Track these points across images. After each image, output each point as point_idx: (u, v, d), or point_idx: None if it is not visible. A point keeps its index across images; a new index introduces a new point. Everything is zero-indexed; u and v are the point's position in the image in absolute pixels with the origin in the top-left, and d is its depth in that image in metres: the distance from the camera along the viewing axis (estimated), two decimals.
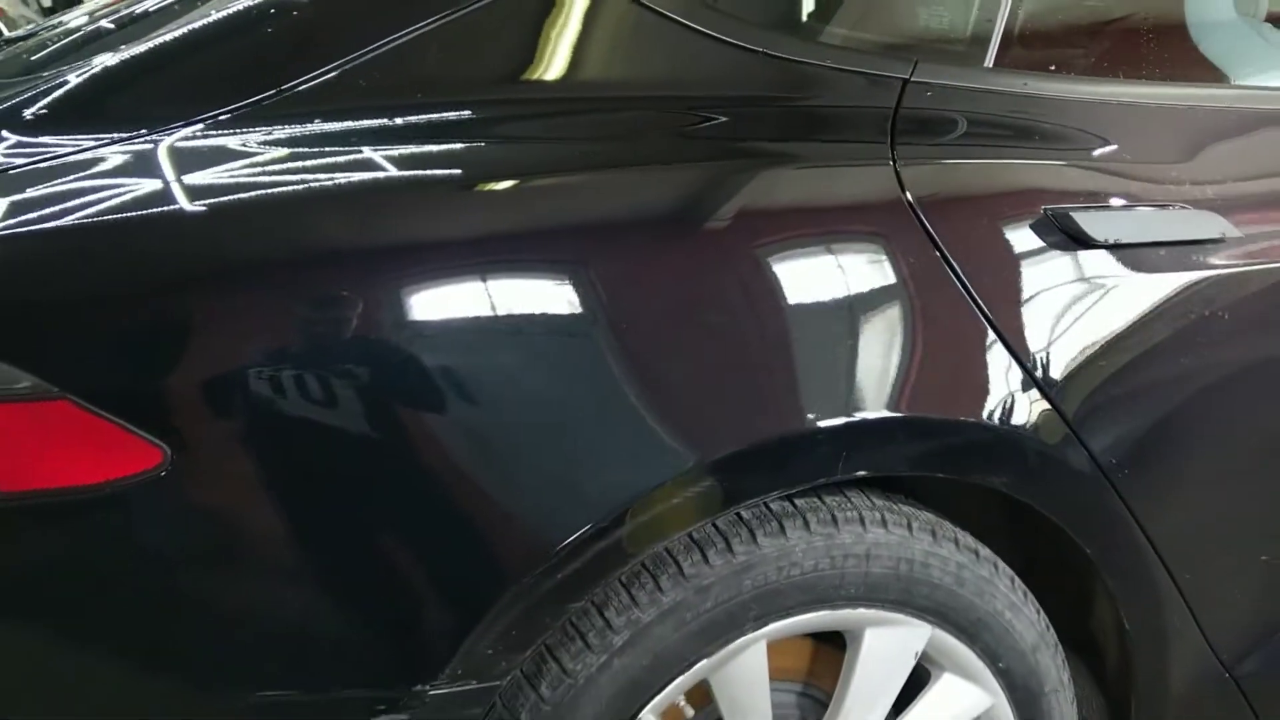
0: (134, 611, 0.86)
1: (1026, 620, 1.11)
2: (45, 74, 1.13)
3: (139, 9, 1.30)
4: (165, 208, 0.88)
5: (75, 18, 1.47)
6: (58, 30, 1.41)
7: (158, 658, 0.87)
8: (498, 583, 0.89)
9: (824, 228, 1.01)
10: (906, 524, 1.05)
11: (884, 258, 0.99)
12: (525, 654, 0.92)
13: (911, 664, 1.08)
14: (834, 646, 1.12)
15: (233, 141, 0.94)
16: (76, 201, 0.88)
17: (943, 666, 1.11)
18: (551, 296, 0.90)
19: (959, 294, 1.00)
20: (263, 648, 0.88)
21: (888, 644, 1.06)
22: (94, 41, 1.25)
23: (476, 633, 0.88)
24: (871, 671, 1.06)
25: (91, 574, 0.85)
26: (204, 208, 0.88)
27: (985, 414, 1.00)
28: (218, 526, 0.86)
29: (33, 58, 1.30)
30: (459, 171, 0.96)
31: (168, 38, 1.05)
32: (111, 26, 1.30)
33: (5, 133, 0.98)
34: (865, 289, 0.99)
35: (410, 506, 0.88)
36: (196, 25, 1.06)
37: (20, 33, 1.72)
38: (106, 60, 1.06)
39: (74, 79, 1.05)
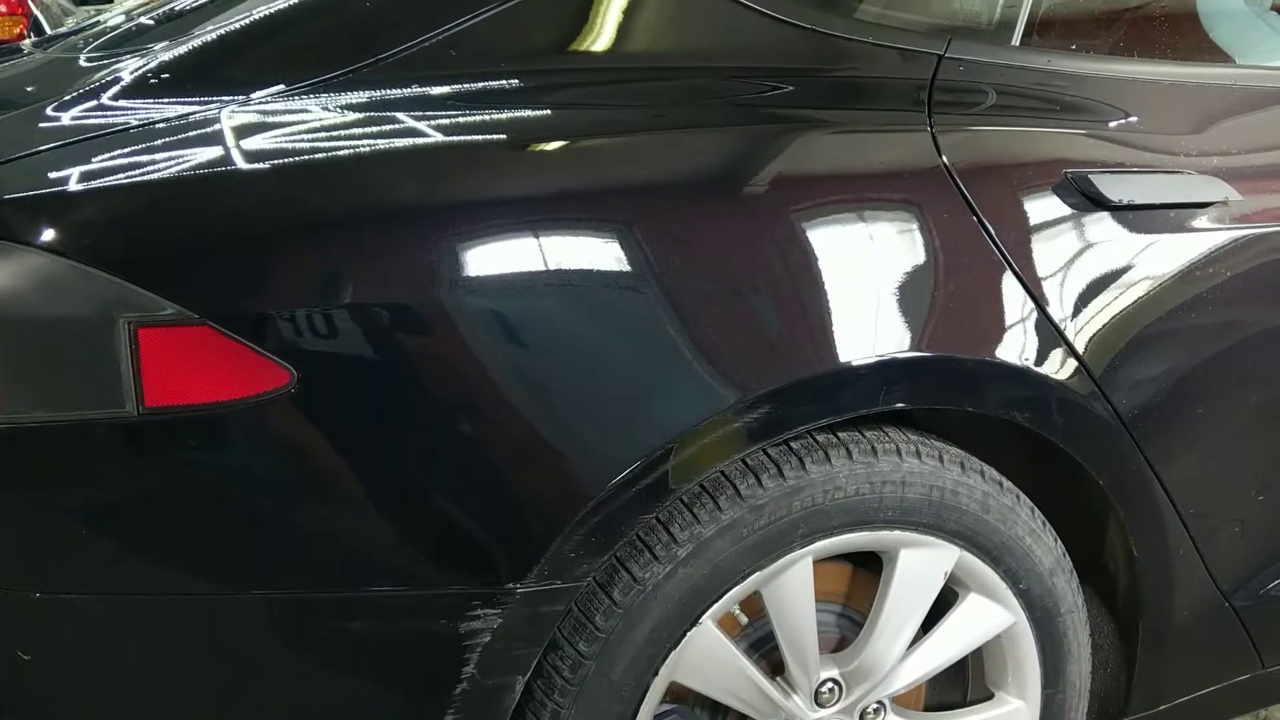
0: (259, 512, 0.97)
1: (1045, 546, 1.23)
2: (144, 45, 1.24)
3: None
4: (278, 161, 1.00)
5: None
6: (137, 9, 1.52)
7: (278, 552, 0.98)
8: (581, 494, 1.00)
9: (868, 185, 1.13)
10: (938, 456, 1.17)
11: (922, 214, 1.11)
12: (603, 558, 1.03)
13: (941, 583, 1.19)
14: (870, 574, 1.24)
15: (338, 102, 1.06)
16: (201, 153, 1.00)
17: (968, 587, 1.22)
18: (629, 250, 1.02)
19: (988, 247, 1.12)
20: (374, 548, 0.99)
21: (920, 563, 1.18)
22: (187, 15, 1.36)
23: (562, 537, 1.00)
24: (905, 588, 1.18)
25: (226, 478, 0.96)
26: (316, 159, 1.00)
27: (1010, 355, 1.12)
28: (338, 440, 0.97)
29: (119, 32, 1.42)
30: (534, 133, 1.07)
31: (273, 9, 1.16)
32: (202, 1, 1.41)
33: (124, 97, 1.09)
34: (906, 242, 1.10)
35: (507, 425, 0.99)
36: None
37: (82, 22, 1.83)
38: (215, 30, 1.17)
39: (181, 49, 1.16)
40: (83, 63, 1.31)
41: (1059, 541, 1.25)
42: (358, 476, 0.98)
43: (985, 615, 1.23)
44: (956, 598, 1.23)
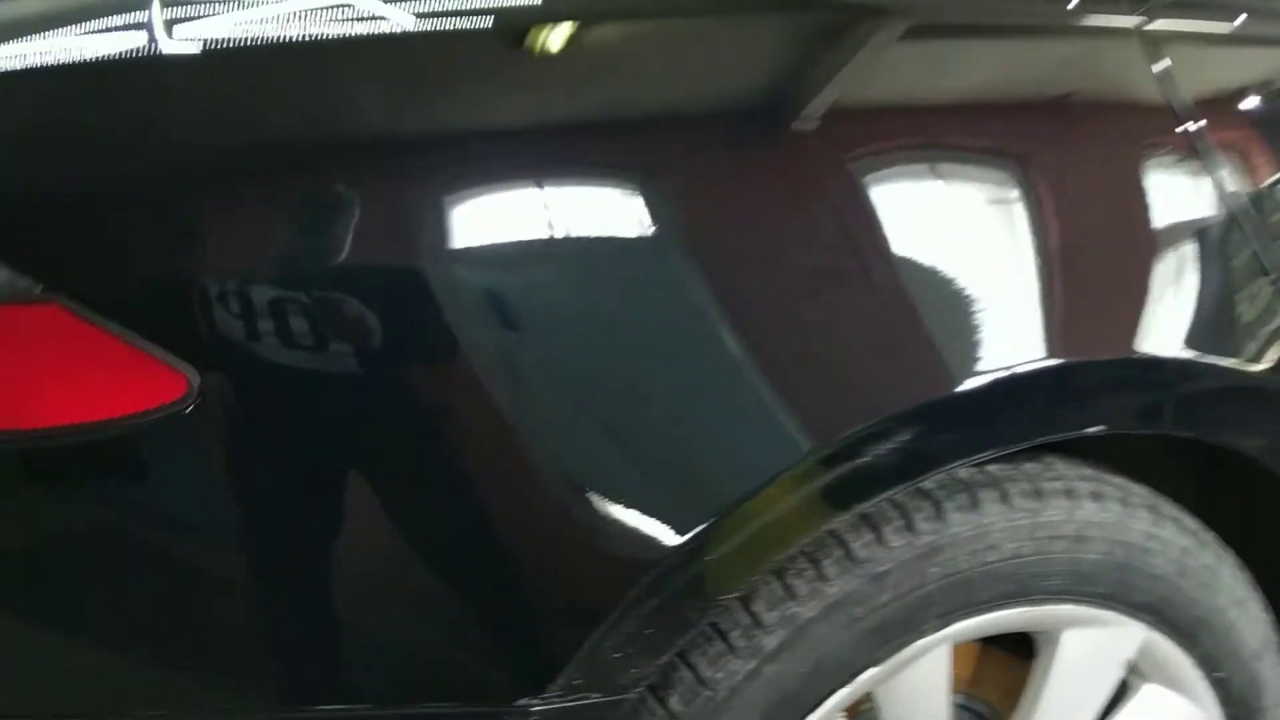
0: (148, 597, 0.65)
1: (1251, 618, 0.90)
2: None
3: None
4: (170, 53, 0.66)
5: None
6: None
7: (177, 660, 0.66)
8: (630, 566, 0.67)
9: (1037, 114, 0.79)
10: (1121, 498, 0.84)
11: (1125, 155, 0.77)
12: (662, 658, 0.71)
13: (1119, 675, 0.87)
14: (999, 648, 0.91)
15: None
16: (53, 49, 0.67)
17: (1145, 675, 0.90)
18: (659, 210, 0.68)
19: (1222, 204, 0.78)
20: (317, 649, 0.66)
21: (1091, 649, 0.85)
22: None
23: (601, 630, 0.67)
24: (1068, 685, 0.85)
25: (95, 543, 0.64)
26: (223, 59, 0.67)
27: (1254, 361, 0.78)
28: (261, 484, 0.64)
29: None
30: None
31: None
32: None
33: None
34: (1099, 196, 0.77)
35: (513, 471, 0.66)
36: None
37: None
38: None
39: None
40: None
41: (1269, 611, 0.92)
42: (289, 542, 0.65)
43: (1167, 713, 0.90)
44: (1126, 690, 0.91)
